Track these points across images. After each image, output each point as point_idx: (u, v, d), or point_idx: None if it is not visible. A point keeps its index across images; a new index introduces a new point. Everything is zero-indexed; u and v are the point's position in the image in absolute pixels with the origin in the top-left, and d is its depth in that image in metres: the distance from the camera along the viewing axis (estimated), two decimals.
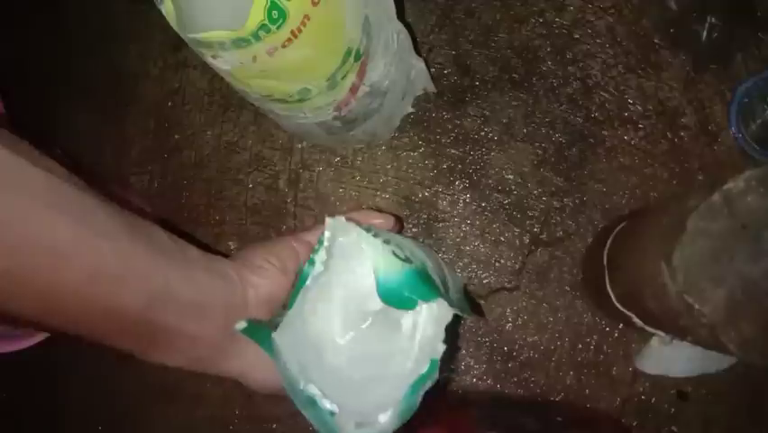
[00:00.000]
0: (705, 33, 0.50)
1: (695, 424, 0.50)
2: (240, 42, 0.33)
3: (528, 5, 0.54)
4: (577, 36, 0.53)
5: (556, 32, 0.54)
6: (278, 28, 0.33)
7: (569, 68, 0.53)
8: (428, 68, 0.51)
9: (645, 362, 0.49)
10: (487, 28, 0.54)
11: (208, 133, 0.56)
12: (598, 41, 0.53)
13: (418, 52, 0.50)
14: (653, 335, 0.45)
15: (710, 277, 0.30)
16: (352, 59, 0.40)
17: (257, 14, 0.32)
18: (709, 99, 0.52)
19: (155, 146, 0.57)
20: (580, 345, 0.51)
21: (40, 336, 0.45)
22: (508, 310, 0.52)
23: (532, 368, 0.52)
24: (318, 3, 0.34)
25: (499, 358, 0.52)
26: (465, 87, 0.54)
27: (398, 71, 0.46)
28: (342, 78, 0.41)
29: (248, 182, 0.56)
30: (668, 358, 0.47)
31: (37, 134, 0.47)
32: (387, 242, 0.35)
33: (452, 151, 0.54)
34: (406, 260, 0.35)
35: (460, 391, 0.52)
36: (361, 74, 0.42)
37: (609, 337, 0.51)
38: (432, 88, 0.53)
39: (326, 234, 0.37)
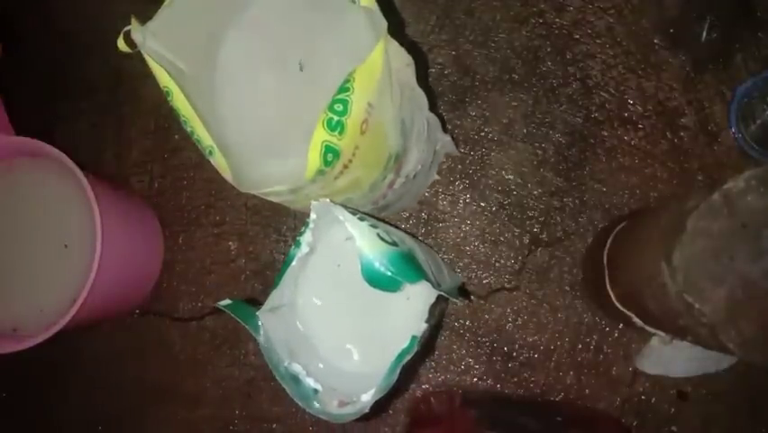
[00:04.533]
0: (705, 33, 0.50)
1: (695, 424, 0.50)
2: (296, 189, 0.34)
3: (528, 6, 0.54)
4: (577, 36, 0.53)
5: (556, 32, 0.54)
6: (332, 167, 0.33)
7: (569, 68, 0.53)
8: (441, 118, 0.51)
9: (645, 361, 0.49)
10: (487, 28, 0.54)
11: None
12: (598, 41, 0.53)
13: (444, 128, 0.50)
14: (653, 335, 0.45)
15: (710, 276, 0.30)
16: (392, 163, 0.41)
17: (314, 164, 0.32)
18: (709, 99, 0.52)
19: (155, 146, 0.57)
20: (580, 345, 0.51)
21: (40, 337, 0.45)
22: (508, 310, 0.52)
23: (532, 368, 0.52)
24: (366, 131, 0.34)
25: (499, 358, 0.52)
26: (465, 87, 0.54)
27: (428, 151, 0.47)
28: (383, 180, 0.42)
29: None
30: (668, 358, 0.47)
31: (37, 134, 0.48)
32: (373, 226, 0.36)
33: None
34: (393, 243, 0.35)
35: (460, 391, 0.52)
36: (398, 170, 0.43)
37: (609, 337, 0.51)
38: (455, 152, 0.53)
39: (312, 216, 0.37)
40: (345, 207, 0.37)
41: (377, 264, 0.34)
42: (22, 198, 0.51)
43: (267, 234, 0.55)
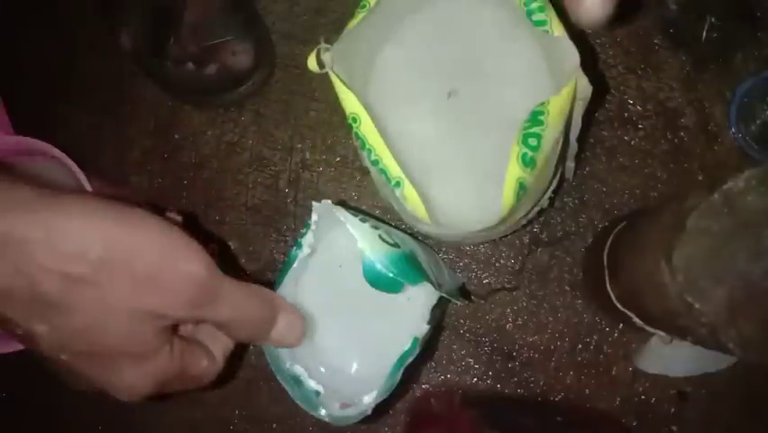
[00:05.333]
0: (705, 33, 0.50)
1: (695, 424, 0.50)
2: (488, 229, 0.36)
3: None
4: None
5: None
6: (519, 203, 0.34)
7: None
8: None
9: (645, 361, 0.49)
10: None
11: (208, 133, 0.56)
12: (597, 41, 0.53)
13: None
14: (652, 334, 0.45)
15: (710, 276, 0.30)
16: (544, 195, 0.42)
17: (508, 202, 0.33)
18: (709, 99, 0.52)
19: (155, 146, 0.57)
20: (580, 345, 0.51)
21: None
22: (508, 310, 0.52)
23: (532, 368, 0.52)
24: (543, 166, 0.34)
25: (499, 358, 0.52)
26: None
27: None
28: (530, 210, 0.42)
29: (248, 182, 0.56)
30: (668, 357, 0.47)
31: (37, 134, 0.48)
32: (375, 227, 0.36)
33: None
34: (395, 245, 0.36)
35: (460, 391, 0.52)
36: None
37: (609, 337, 0.51)
38: (570, 178, 0.52)
39: (313, 217, 0.37)
40: (347, 207, 0.37)
41: (378, 266, 0.34)
42: None
43: (267, 234, 0.55)
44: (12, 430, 0.58)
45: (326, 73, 0.35)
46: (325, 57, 0.33)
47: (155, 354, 0.30)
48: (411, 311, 0.39)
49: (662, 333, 0.43)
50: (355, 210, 0.37)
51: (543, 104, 0.32)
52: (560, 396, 0.51)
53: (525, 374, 0.52)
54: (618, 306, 0.44)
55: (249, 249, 0.55)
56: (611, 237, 0.46)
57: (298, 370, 0.36)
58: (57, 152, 0.47)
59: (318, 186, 0.55)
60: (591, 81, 0.34)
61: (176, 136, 0.57)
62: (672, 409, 0.50)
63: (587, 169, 0.52)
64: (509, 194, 0.32)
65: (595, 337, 0.51)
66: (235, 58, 0.51)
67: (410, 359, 0.35)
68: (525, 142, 0.31)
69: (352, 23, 0.36)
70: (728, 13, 0.50)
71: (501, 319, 0.52)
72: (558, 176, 0.44)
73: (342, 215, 0.36)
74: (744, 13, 0.51)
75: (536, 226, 0.52)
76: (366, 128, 0.34)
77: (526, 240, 0.53)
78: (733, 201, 0.31)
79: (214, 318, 0.32)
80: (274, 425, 0.54)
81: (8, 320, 0.28)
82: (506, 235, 0.49)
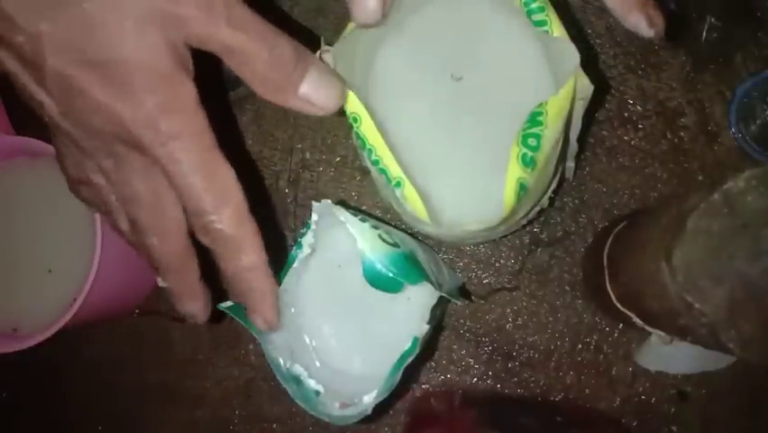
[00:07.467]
0: (705, 33, 0.50)
1: (695, 424, 0.50)
2: (489, 228, 0.36)
3: None
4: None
5: None
6: (519, 204, 0.34)
7: None
8: None
9: (645, 358, 0.49)
10: None
11: None
12: (598, 41, 0.53)
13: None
14: (652, 334, 0.45)
15: (710, 276, 0.30)
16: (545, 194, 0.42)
17: (510, 202, 0.32)
18: (709, 99, 0.52)
19: None
20: (580, 345, 0.51)
21: (40, 336, 0.45)
22: (508, 310, 0.52)
23: (532, 368, 0.52)
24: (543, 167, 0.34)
25: (499, 358, 0.52)
26: None
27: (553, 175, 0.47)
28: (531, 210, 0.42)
29: (248, 182, 0.56)
30: (667, 356, 0.47)
31: (37, 134, 0.48)
32: (375, 227, 0.36)
33: None
34: (395, 245, 0.36)
35: (460, 391, 0.52)
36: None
37: (609, 337, 0.51)
38: (570, 178, 0.52)
39: (314, 217, 0.37)
40: (347, 207, 0.37)
41: (378, 265, 0.34)
42: (21, 196, 0.51)
43: (268, 234, 0.55)
44: (12, 430, 0.58)
45: None
46: (326, 57, 0.33)
47: (174, 83, 0.27)
48: (411, 311, 0.39)
49: (661, 333, 0.43)
50: (355, 210, 0.37)
51: (541, 104, 0.32)
52: (560, 396, 0.51)
53: (525, 374, 0.52)
54: (618, 306, 0.44)
55: None
56: (611, 237, 0.46)
57: (298, 369, 0.36)
58: None
59: (318, 186, 0.55)
60: (591, 81, 0.34)
61: None
62: (672, 409, 0.50)
63: (587, 169, 0.52)
64: (510, 194, 0.32)
65: (595, 337, 0.51)
66: None
67: (410, 359, 0.35)
68: (524, 143, 0.32)
69: (353, 24, 0.36)
70: (728, 13, 0.50)
71: (501, 319, 0.52)
72: (558, 176, 0.44)
73: (342, 215, 0.36)
74: (744, 13, 0.51)
75: (536, 226, 0.52)
76: (366, 128, 0.34)
77: (526, 240, 0.53)
78: (733, 201, 0.31)
79: (230, 40, 0.27)
80: (274, 425, 0.54)
81: (8, 18, 0.26)
82: (506, 235, 0.49)
